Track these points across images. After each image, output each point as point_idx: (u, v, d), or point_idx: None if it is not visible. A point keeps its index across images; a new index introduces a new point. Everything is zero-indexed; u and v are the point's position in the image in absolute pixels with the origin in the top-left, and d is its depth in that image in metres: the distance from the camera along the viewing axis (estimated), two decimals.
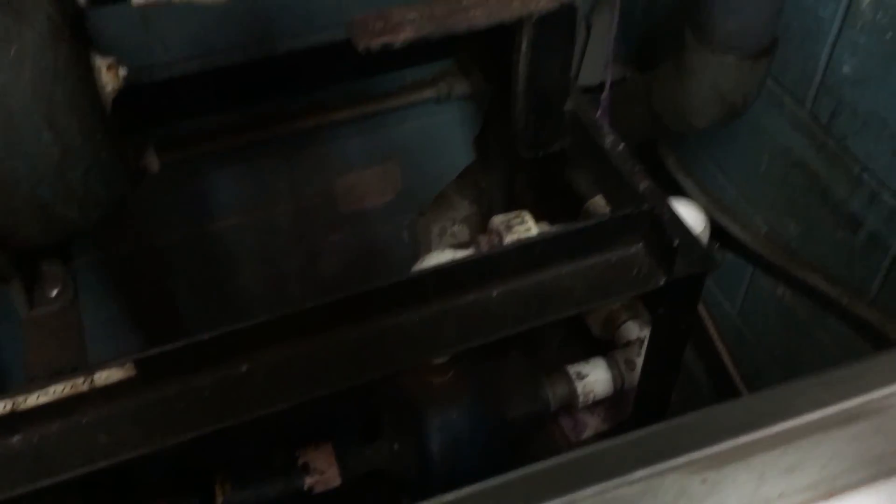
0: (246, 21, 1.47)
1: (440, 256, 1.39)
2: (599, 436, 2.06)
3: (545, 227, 1.43)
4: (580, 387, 1.75)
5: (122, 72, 0.93)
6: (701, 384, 1.97)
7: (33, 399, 0.87)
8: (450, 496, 0.59)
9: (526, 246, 1.04)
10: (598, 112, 1.17)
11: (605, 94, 1.14)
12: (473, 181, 2.17)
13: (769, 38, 1.25)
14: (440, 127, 1.85)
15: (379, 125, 1.76)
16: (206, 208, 1.73)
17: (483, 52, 1.43)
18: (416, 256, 2.22)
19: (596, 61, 1.77)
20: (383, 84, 1.68)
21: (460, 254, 1.39)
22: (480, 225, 2.34)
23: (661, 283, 1.07)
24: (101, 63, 0.91)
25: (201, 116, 1.25)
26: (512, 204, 2.12)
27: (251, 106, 1.37)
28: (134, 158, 0.98)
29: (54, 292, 0.94)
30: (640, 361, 1.81)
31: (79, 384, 0.88)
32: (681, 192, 1.76)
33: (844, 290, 1.42)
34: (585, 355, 1.78)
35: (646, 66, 1.84)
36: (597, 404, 1.84)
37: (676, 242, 1.03)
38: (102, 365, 0.89)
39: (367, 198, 1.90)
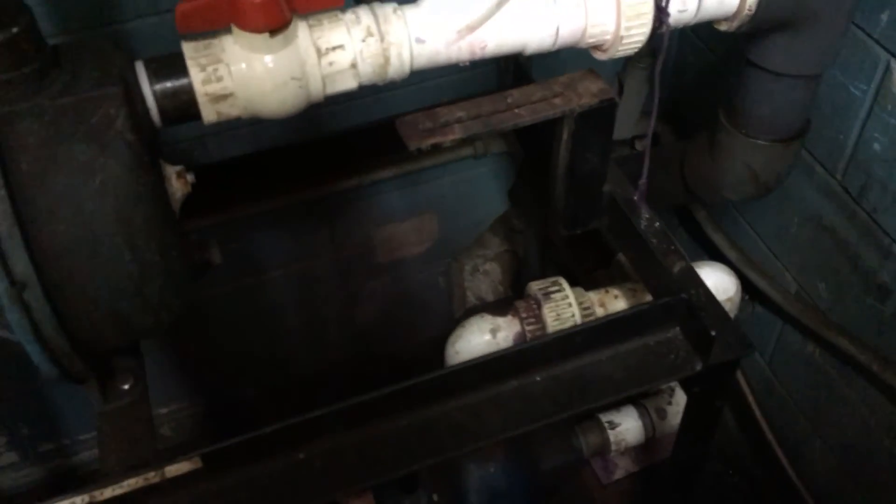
0: None
1: (480, 323, 1.44)
2: (630, 477, 2.10)
3: (580, 293, 1.47)
4: (612, 436, 1.79)
5: (191, 178, 0.98)
6: (730, 430, 2.00)
7: (109, 492, 0.93)
8: None
9: (568, 336, 1.09)
10: (636, 195, 1.22)
11: (642, 180, 1.18)
12: (506, 220, 2.22)
13: (801, 123, 1.29)
14: (476, 180, 1.91)
15: (417, 181, 1.82)
16: (249, 264, 1.79)
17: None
18: (451, 299, 2.28)
19: (627, 117, 1.82)
20: None
21: (499, 321, 1.44)
22: (511, 263, 2.38)
23: (698, 368, 1.11)
24: (170, 171, 0.96)
25: (252, 198, 1.31)
26: (545, 248, 2.17)
27: (301, 184, 1.43)
28: (198, 255, 1.04)
29: (126, 386, 1.00)
30: (670, 410, 1.85)
31: (150, 477, 0.94)
32: (710, 246, 1.79)
33: (874, 355, 1.45)
34: (617, 402, 1.83)
35: (678, 122, 1.87)
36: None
37: (714, 333, 1.07)
38: (172, 459, 0.94)
39: (405, 248, 1.95)
